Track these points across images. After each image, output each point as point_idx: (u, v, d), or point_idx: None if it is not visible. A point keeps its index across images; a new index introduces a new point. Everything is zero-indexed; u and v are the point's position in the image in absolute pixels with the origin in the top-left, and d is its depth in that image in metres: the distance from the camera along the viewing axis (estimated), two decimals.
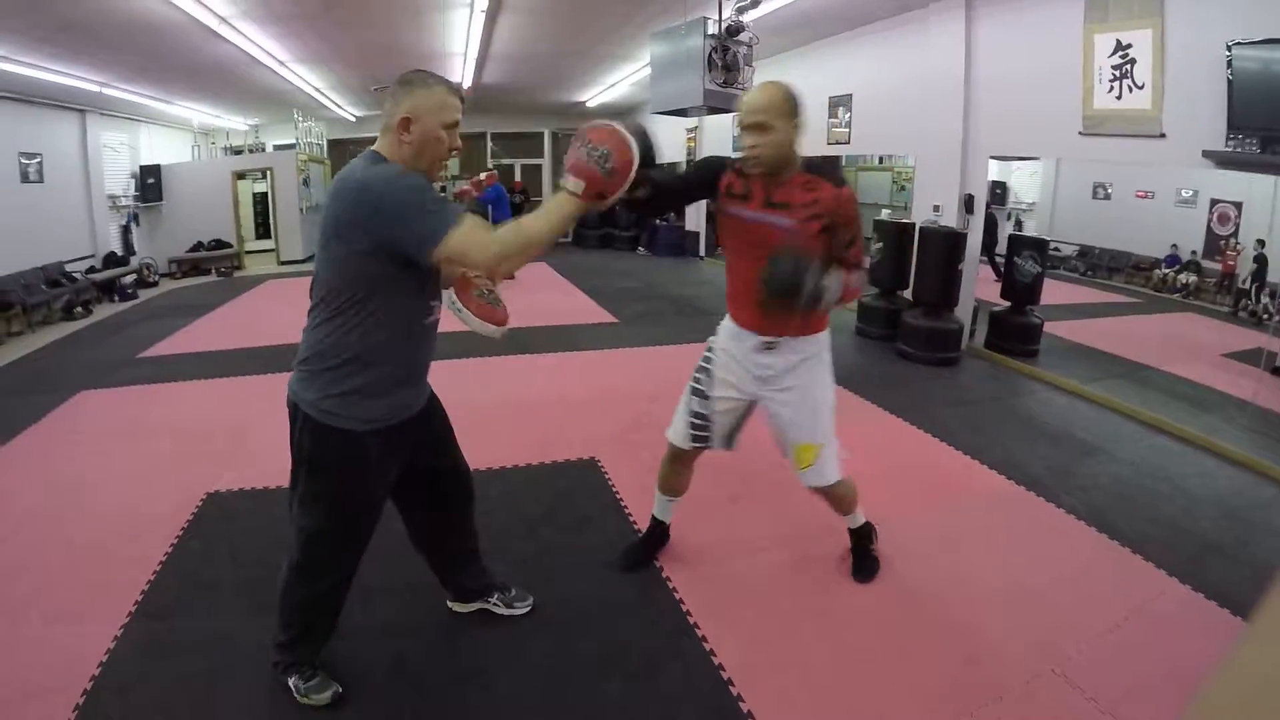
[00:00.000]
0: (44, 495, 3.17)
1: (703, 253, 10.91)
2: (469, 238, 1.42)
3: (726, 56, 4.70)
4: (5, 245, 6.95)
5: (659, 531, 2.46)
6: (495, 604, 2.17)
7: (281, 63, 7.41)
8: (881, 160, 11.58)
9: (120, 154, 9.52)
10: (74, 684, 1.93)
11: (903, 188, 5.81)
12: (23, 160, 7.63)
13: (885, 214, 6.55)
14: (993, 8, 4.96)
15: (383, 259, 1.47)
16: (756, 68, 4.84)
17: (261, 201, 10.48)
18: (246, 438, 3.66)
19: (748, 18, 4.74)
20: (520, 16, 6.13)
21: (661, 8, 5.60)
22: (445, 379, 4.41)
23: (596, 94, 10.72)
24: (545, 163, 13.82)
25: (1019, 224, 8.28)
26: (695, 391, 2.15)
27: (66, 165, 8.39)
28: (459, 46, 7.17)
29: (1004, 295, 5.31)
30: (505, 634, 2.12)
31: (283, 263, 10.87)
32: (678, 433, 2.19)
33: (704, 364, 2.15)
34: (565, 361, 5.12)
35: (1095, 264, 8.50)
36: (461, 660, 2.02)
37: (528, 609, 2.19)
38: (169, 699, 1.89)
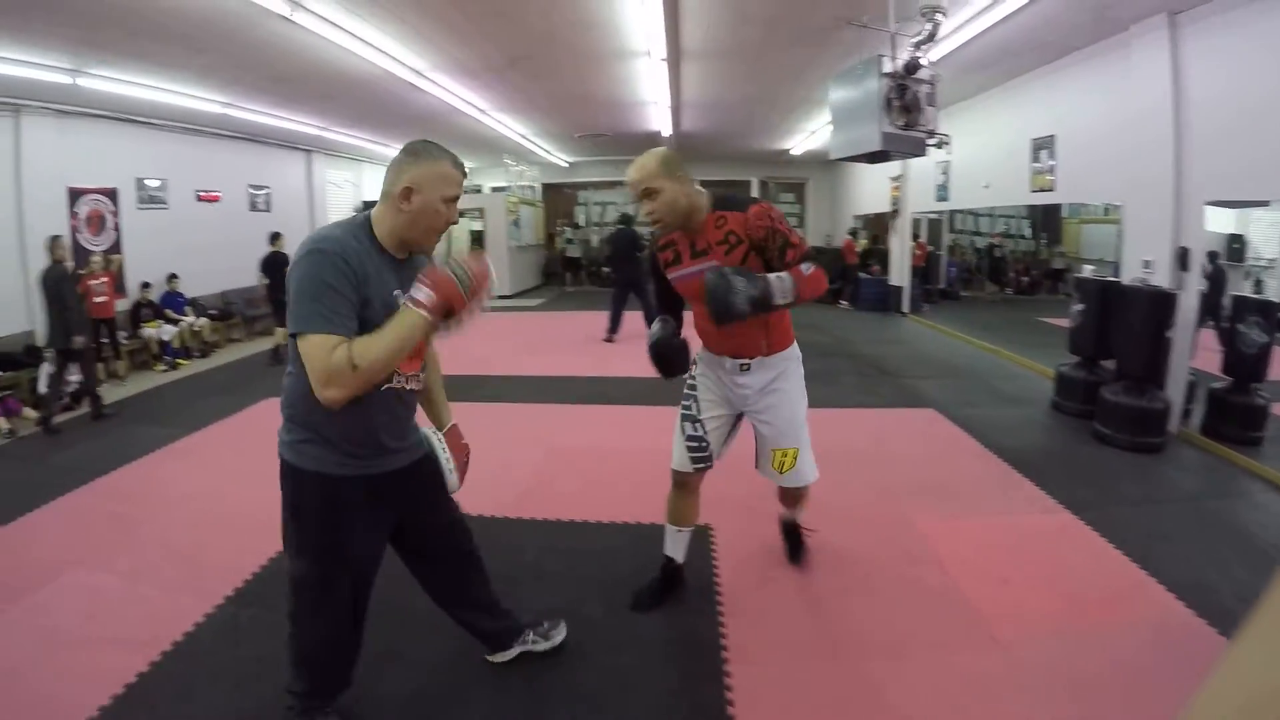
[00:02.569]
0: (201, 483, 3.67)
1: (905, 308, 9.67)
2: (310, 351, 1.38)
3: (905, 97, 4.36)
4: (234, 264, 8.30)
5: (670, 571, 2.46)
6: (534, 642, 2.11)
7: (482, 111, 8.07)
8: (1108, 211, 10.04)
9: (344, 189, 11.12)
10: (156, 645, 2.22)
11: None
12: (251, 191, 9.15)
13: (1089, 270, 5.62)
14: (1201, 25, 4.12)
15: None
16: (945, 109, 4.36)
17: (476, 239, 11.71)
18: None
19: (933, 55, 4.35)
20: (702, 64, 6.16)
21: (844, 50, 5.37)
22: (603, 423, 4.61)
23: (800, 140, 10.51)
24: None
25: (1259, 284, 6.72)
26: (686, 418, 2.26)
27: (292, 197, 9.94)
28: (650, 95, 7.37)
29: (1225, 370, 4.29)
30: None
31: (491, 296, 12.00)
32: (679, 459, 2.28)
33: (689, 391, 2.29)
34: None
35: None
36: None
37: (563, 637, 2.17)
38: (223, 675, 2.09)
